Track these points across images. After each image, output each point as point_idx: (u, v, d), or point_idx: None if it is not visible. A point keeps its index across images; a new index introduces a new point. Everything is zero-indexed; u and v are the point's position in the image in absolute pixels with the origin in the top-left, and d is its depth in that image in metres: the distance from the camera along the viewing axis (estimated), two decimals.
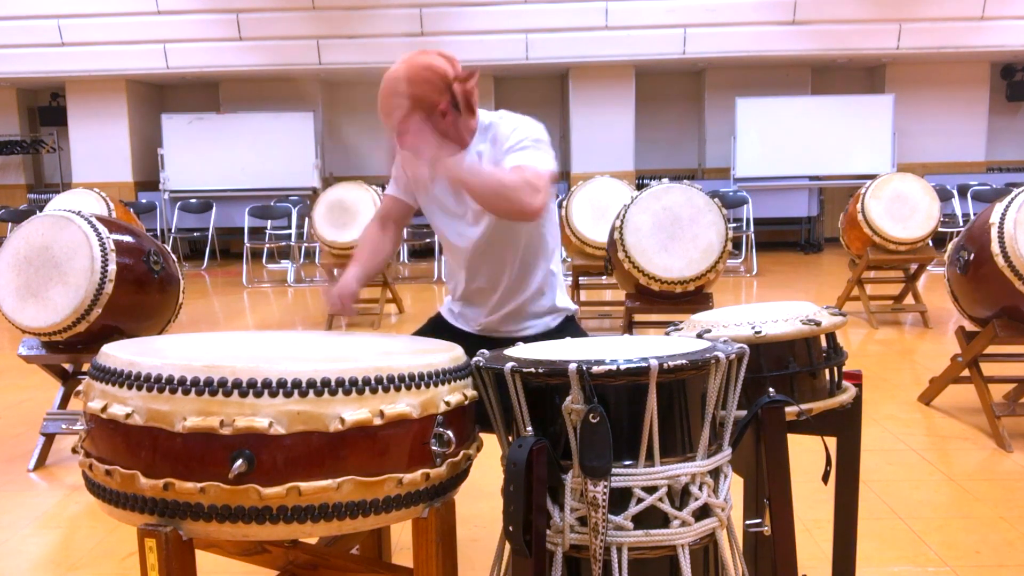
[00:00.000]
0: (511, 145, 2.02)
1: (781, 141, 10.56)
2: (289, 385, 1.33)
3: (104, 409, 1.38)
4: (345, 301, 2.14)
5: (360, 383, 1.37)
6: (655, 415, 1.37)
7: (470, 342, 1.99)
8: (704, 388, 1.43)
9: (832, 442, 1.82)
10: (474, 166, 2.02)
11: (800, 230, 11.42)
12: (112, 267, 3.13)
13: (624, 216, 4.43)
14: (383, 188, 7.73)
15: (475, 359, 1.53)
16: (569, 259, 6.78)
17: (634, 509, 1.37)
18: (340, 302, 2.14)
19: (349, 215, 6.31)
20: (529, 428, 1.40)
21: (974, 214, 7.60)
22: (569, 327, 2.27)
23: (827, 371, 1.81)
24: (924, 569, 2.43)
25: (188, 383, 1.33)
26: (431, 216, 2.26)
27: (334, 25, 10.12)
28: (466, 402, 1.53)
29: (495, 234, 2.12)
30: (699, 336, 1.65)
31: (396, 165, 2.29)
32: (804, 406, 1.68)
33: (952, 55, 10.59)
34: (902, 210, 5.84)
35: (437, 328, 2.33)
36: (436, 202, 2.21)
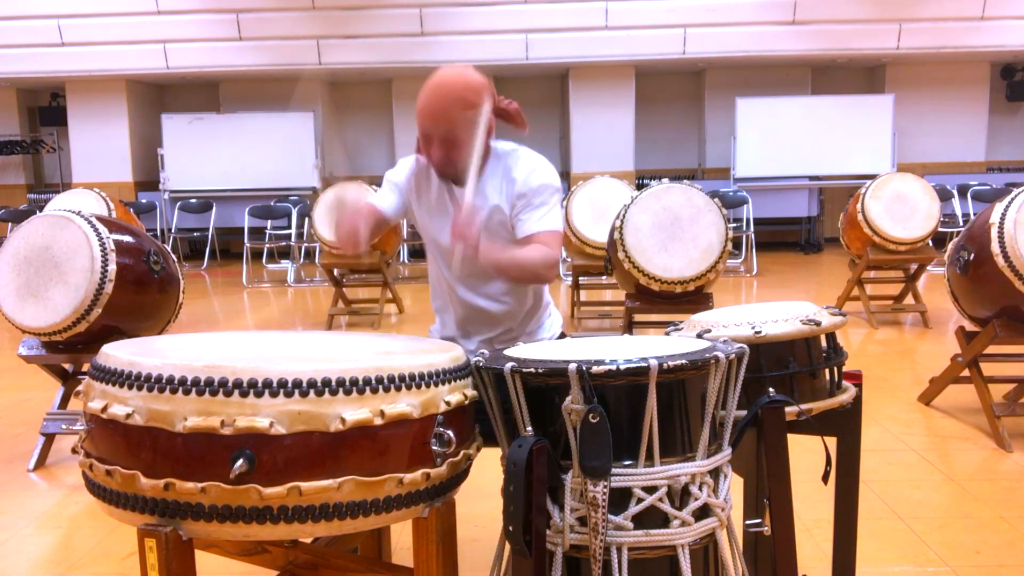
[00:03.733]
0: (529, 198, 2.03)
1: (781, 141, 10.56)
2: (290, 385, 1.33)
3: (104, 409, 1.38)
4: (356, 237, 2.02)
5: (360, 383, 1.37)
6: (655, 415, 1.37)
7: None
8: (704, 388, 1.43)
9: (832, 442, 1.82)
10: (505, 250, 2.01)
11: (800, 230, 11.42)
12: (112, 267, 3.13)
13: (624, 216, 4.43)
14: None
15: (475, 359, 1.53)
16: (569, 259, 6.78)
17: (634, 509, 1.37)
18: (351, 237, 2.02)
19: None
20: (529, 428, 1.40)
21: (974, 214, 7.60)
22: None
23: (827, 371, 1.81)
24: (924, 569, 2.43)
25: (189, 383, 1.33)
26: (431, 229, 2.18)
27: (334, 25, 10.12)
28: (466, 402, 1.53)
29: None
30: (699, 336, 1.65)
31: (404, 173, 2.20)
32: (804, 406, 1.68)
33: (952, 55, 10.59)
34: (902, 210, 5.84)
35: None
36: (431, 230, 2.16)
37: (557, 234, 2.04)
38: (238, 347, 1.65)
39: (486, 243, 1.91)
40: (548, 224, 2.02)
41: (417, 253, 10.73)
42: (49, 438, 3.53)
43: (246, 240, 9.65)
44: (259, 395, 1.32)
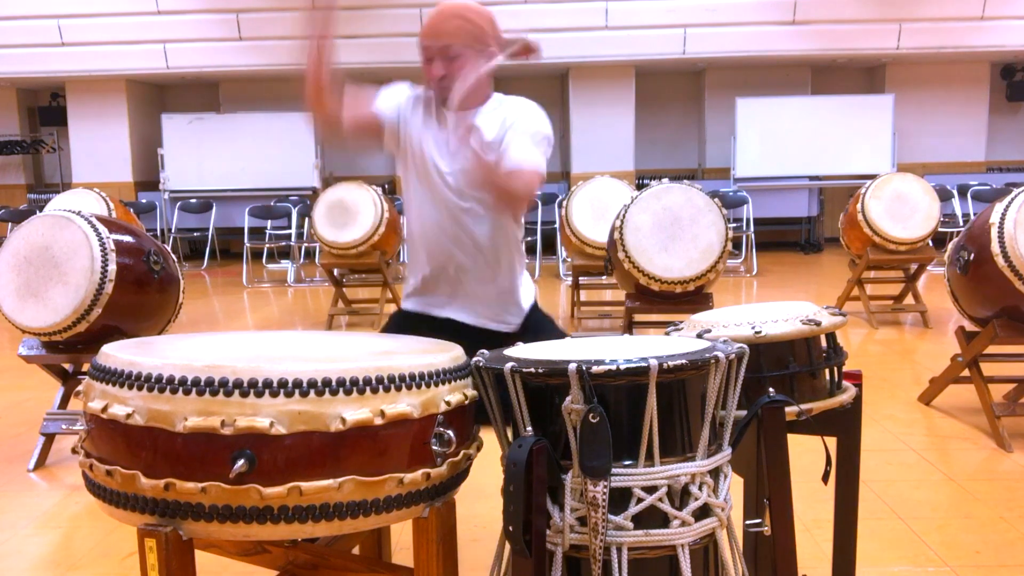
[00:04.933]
0: (519, 128, 2.06)
1: (781, 141, 10.56)
2: (290, 385, 1.33)
3: (104, 409, 1.38)
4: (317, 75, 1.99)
5: (361, 383, 1.37)
6: (655, 415, 1.37)
7: (435, 327, 2.04)
8: (704, 388, 1.43)
9: (832, 442, 1.82)
10: (489, 147, 2.01)
11: (800, 230, 11.42)
12: (112, 267, 3.13)
13: (624, 216, 4.43)
14: (383, 188, 7.73)
15: (475, 359, 1.53)
16: (569, 259, 6.78)
17: (634, 509, 1.37)
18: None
19: (349, 215, 6.31)
20: (529, 428, 1.40)
21: (974, 214, 7.60)
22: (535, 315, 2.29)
23: (827, 371, 1.81)
24: (924, 569, 2.43)
25: (189, 383, 1.33)
26: (411, 163, 2.17)
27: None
28: (466, 402, 1.54)
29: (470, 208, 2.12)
30: (699, 336, 1.65)
31: (402, 91, 2.21)
32: (804, 406, 1.68)
33: (952, 55, 10.59)
34: (902, 210, 5.83)
35: (402, 324, 2.28)
36: (423, 154, 2.14)
37: (538, 172, 2.03)
38: (238, 347, 1.65)
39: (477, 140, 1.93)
40: (532, 158, 2.02)
41: None
42: (49, 438, 3.53)
43: (246, 240, 9.64)
44: (259, 395, 1.32)
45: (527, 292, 2.30)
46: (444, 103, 2.09)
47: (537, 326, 2.29)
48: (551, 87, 11.82)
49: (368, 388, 1.37)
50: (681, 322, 1.87)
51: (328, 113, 2.04)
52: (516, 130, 2.05)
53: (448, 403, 1.48)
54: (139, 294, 3.30)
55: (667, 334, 1.81)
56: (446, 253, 2.17)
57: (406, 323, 2.25)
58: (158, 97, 11.92)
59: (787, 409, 1.61)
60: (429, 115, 2.16)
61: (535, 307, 2.32)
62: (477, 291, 2.21)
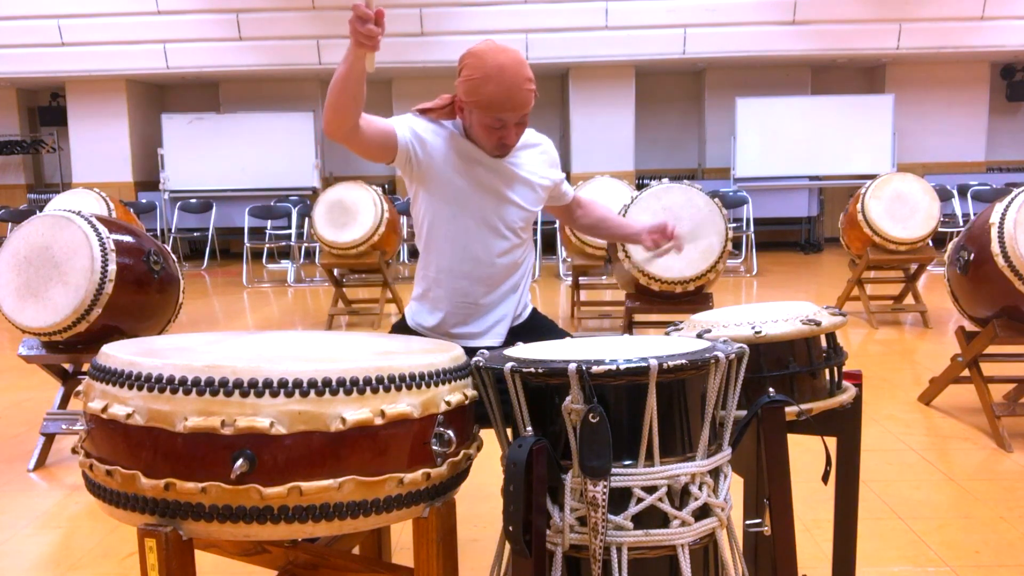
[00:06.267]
0: (561, 175, 2.39)
1: (781, 141, 10.56)
2: (290, 385, 1.33)
3: (105, 409, 1.38)
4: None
5: (361, 383, 1.37)
6: (655, 415, 1.37)
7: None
8: (704, 388, 1.43)
9: (832, 442, 1.82)
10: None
11: (800, 230, 11.42)
12: (112, 267, 3.13)
13: (624, 216, 4.43)
14: (383, 188, 7.72)
15: (475, 359, 1.53)
16: (569, 259, 6.78)
17: (634, 509, 1.37)
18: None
19: (349, 215, 6.31)
20: (529, 428, 1.40)
21: (974, 214, 7.60)
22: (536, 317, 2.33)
23: (827, 371, 1.81)
24: (924, 569, 2.43)
25: (189, 383, 1.33)
26: (448, 203, 2.15)
27: (334, 25, 10.11)
28: (466, 402, 1.54)
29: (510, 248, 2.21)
30: (699, 336, 1.65)
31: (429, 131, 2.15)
32: (804, 406, 1.68)
33: (952, 55, 10.59)
34: (902, 210, 5.84)
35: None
36: (468, 198, 2.14)
37: None
38: (238, 347, 1.65)
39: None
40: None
41: (417, 253, 10.73)
42: (49, 438, 3.53)
43: (246, 240, 9.64)
44: (259, 395, 1.32)
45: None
46: (498, 154, 2.13)
47: (539, 326, 2.29)
48: (551, 87, 11.82)
49: (368, 388, 1.37)
50: (681, 322, 1.87)
51: (349, 120, 1.97)
52: (559, 175, 2.36)
53: (448, 403, 1.48)
54: (139, 294, 3.30)
55: (667, 334, 1.81)
56: (478, 261, 2.18)
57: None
58: (158, 97, 11.92)
59: (787, 409, 1.61)
60: (455, 149, 2.13)
61: (534, 310, 2.35)
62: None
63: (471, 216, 2.14)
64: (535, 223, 2.45)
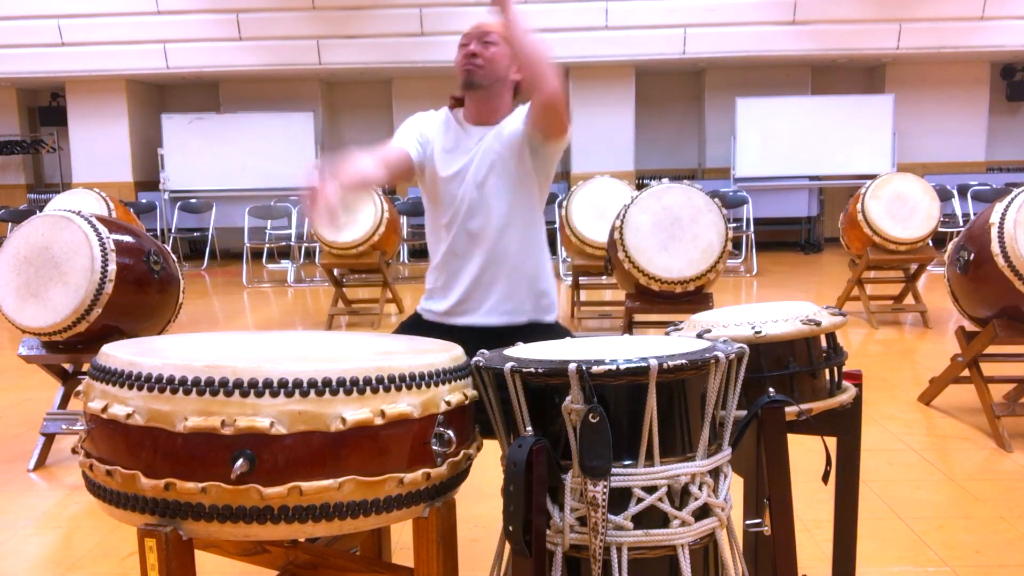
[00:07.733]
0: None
1: (781, 141, 10.57)
2: (290, 385, 1.33)
3: (105, 409, 1.38)
4: (332, 210, 1.87)
5: (361, 383, 1.37)
6: (655, 415, 1.37)
7: (442, 332, 2.06)
8: (704, 388, 1.43)
9: (832, 442, 1.82)
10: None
11: (800, 230, 11.42)
12: (112, 267, 3.13)
13: (624, 216, 4.44)
14: (383, 188, 7.72)
15: (475, 359, 1.53)
16: (569, 259, 6.78)
17: (634, 509, 1.37)
18: (326, 211, 1.87)
19: (349, 215, 6.31)
20: (529, 428, 1.40)
21: (974, 214, 7.60)
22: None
23: (827, 371, 1.81)
24: (924, 569, 2.43)
25: (189, 383, 1.33)
26: (450, 165, 2.23)
27: (334, 25, 10.11)
28: (466, 402, 1.53)
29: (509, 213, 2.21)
30: (699, 336, 1.65)
31: (416, 130, 2.29)
32: (804, 406, 1.68)
33: (952, 55, 10.59)
34: (902, 210, 5.84)
35: (416, 328, 2.29)
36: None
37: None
38: (238, 347, 1.65)
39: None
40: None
41: (417, 253, 10.73)
42: (49, 438, 3.53)
43: (246, 240, 9.64)
44: (259, 395, 1.32)
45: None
46: (469, 86, 2.18)
47: (542, 326, 2.29)
48: None
49: (368, 388, 1.37)
50: (681, 322, 1.87)
51: (374, 187, 2.07)
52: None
53: (448, 403, 1.48)
54: (139, 294, 3.30)
55: (667, 334, 1.81)
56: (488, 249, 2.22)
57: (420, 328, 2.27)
58: (158, 97, 11.92)
59: (787, 409, 1.61)
60: (450, 133, 2.25)
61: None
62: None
63: (465, 188, 2.21)
64: None
